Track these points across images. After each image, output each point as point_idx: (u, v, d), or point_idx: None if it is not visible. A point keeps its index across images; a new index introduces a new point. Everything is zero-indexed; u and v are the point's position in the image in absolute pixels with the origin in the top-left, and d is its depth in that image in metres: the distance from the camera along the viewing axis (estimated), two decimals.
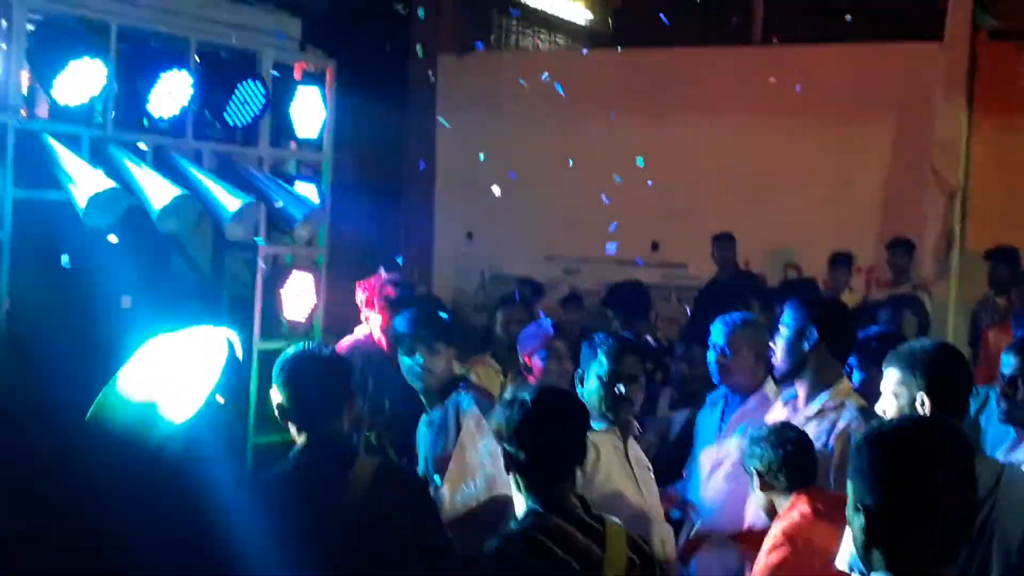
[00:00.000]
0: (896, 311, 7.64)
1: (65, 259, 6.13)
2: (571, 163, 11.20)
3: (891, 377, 4.05)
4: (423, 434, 5.65)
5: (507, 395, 3.92)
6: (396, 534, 4.24)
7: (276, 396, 4.37)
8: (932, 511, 2.61)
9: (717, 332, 5.69)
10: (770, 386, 5.59)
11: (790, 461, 4.64)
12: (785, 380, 5.30)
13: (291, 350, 4.47)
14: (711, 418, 5.75)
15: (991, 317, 9.59)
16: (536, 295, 10.05)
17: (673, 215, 12.13)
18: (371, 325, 6.65)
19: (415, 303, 6.71)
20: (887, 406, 4.06)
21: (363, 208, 8.66)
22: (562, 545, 3.58)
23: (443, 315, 5.98)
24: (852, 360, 5.55)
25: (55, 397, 5.78)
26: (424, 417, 5.67)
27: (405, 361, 5.67)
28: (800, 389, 5.16)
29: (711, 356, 5.69)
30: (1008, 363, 4.83)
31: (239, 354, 5.13)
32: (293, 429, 4.35)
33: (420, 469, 5.50)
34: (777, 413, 5.23)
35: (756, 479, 4.71)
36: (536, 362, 6.27)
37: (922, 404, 3.93)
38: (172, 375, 5.13)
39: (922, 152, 11.63)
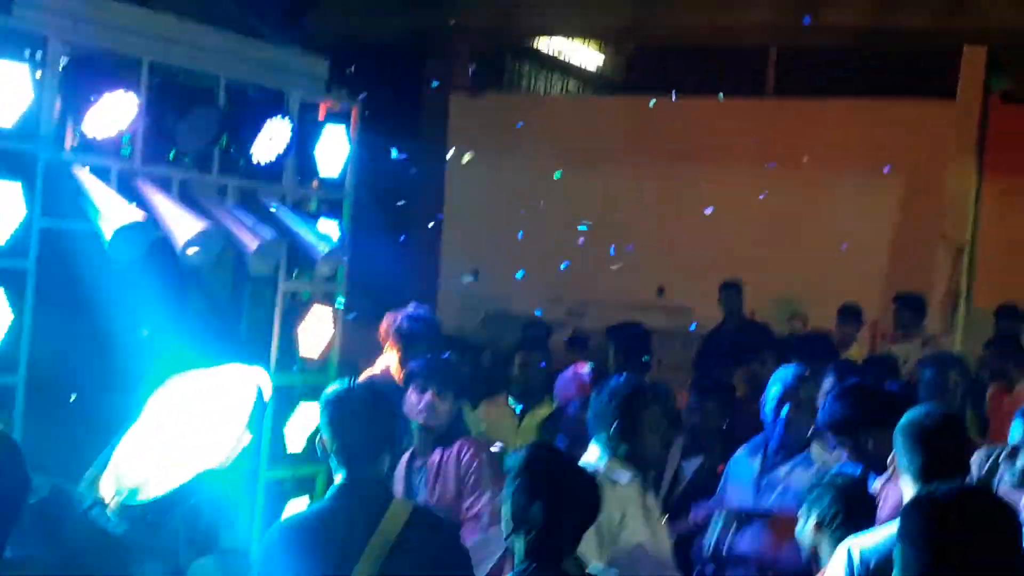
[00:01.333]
0: (940, 369, 7.57)
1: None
2: (581, 220, 11.26)
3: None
4: (405, 478, 5.71)
5: (513, 463, 3.93)
6: (424, 567, 4.29)
7: (319, 432, 4.43)
8: None
9: (783, 384, 5.73)
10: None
11: (850, 513, 4.60)
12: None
13: (338, 387, 4.51)
14: (748, 467, 5.81)
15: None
16: (547, 336, 10.07)
17: (681, 261, 12.18)
18: (389, 359, 6.68)
19: (432, 341, 6.76)
20: None
21: (379, 246, 8.69)
22: None
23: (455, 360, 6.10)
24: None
25: (76, 421, 5.86)
26: (408, 460, 5.74)
27: (411, 399, 5.72)
28: None
29: (770, 406, 5.74)
30: (1015, 430, 4.94)
31: (267, 395, 5.17)
32: (333, 466, 4.40)
33: None
34: None
35: (812, 521, 4.69)
36: (570, 411, 6.29)
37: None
38: (201, 418, 5.16)
39: (931, 208, 11.72)
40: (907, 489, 4.42)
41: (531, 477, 3.75)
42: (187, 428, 5.25)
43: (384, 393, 4.67)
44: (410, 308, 6.83)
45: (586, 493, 3.88)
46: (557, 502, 3.71)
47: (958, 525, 2.66)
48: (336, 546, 4.24)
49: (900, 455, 4.53)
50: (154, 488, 5.16)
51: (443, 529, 4.61)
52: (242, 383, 5.09)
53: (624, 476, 5.01)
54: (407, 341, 6.71)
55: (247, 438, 5.25)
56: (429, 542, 4.35)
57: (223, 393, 5.08)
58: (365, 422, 4.37)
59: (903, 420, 4.57)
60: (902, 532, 2.72)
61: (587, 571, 3.76)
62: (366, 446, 4.35)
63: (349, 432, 4.35)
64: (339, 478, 4.39)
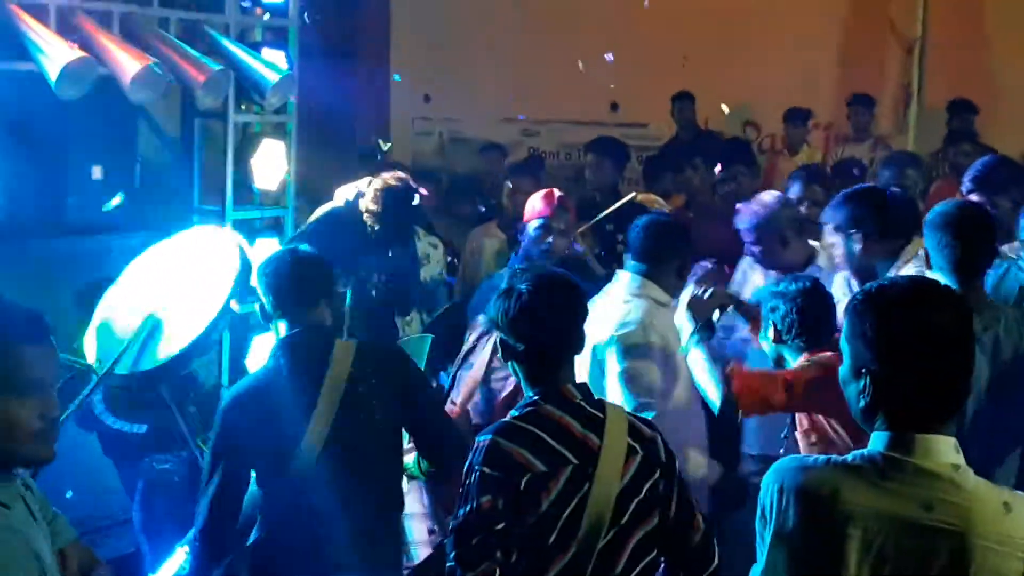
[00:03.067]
0: (899, 169, 7.65)
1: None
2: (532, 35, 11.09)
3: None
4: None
5: (503, 283, 3.78)
6: (381, 399, 4.35)
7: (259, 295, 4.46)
8: (933, 373, 2.67)
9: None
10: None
11: (805, 322, 4.64)
12: None
13: (271, 254, 4.58)
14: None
15: (941, 171, 9.65)
16: (504, 158, 10.04)
17: (632, 75, 12.07)
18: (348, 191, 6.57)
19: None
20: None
21: (328, 74, 8.56)
22: (555, 435, 3.50)
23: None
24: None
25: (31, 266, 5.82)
26: None
27: None
28: None
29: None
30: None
31: (249, 258, 5.17)
32: (275, 327, 4.45)
33: None
34: None
35: (771, 330, 4.74)
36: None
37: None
38: (182, 289, 5.14)
39: (880, 6, 11.63)
40: None
41: (512, 299, 3.63)
42: (173, 301, 5.26)
43: (312, 253, 4.67)
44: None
45: (575, 307, 3.71)
46: (541, 323, 3.60)
47: (910, 318, 2.68)
48: (292, 397, 4.28)
49: (933, 250, 4.52)
50: (144, 360, 5.18)
51: (392, 356, 4.64)
52: (223, 251, 5.09)
53: (667, 299, 5.15)
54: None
55: (232, 306, 5.28)
56: (381, 371, 4.42)
57: (207, 262, 5.09)
58: (297, 277, 4.41)
59: (935, 216, 4.54)
60: (855, 330, 2.74)
61: (592, 394, 3.66)
62: (300, 297, 4.40)
63: (282, 288, 4.40)
64: (282, 329, 4.42)
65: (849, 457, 2.76)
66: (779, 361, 4.75)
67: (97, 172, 6.37)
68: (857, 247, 5.09)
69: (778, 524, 2.74)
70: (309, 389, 4.27)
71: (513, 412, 3.62)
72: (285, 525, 4.30)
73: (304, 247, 4.85)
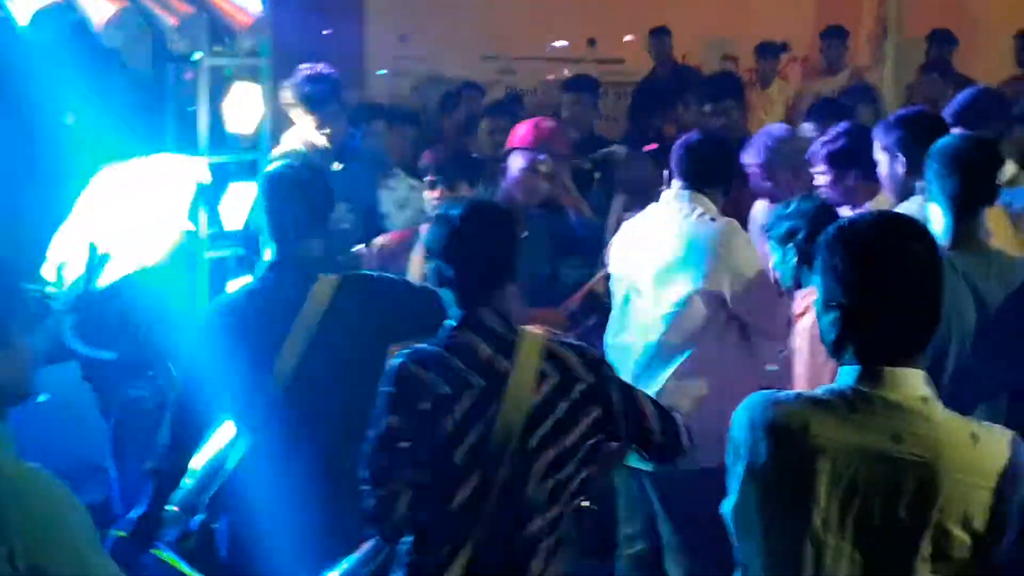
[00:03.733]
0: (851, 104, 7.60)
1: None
2: None
3: None
4: None
5: (438, 211, 3.84)
6: (356, 337, 4.33)
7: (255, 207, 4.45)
8: (902, 306, 2.71)
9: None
10: None
11: (814, 228, 4.38)
12: None
13: (279, 164, 4.50)
14: None
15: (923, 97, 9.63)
16: (481, 97, 9.98)
17: (608, 10, 12.00)
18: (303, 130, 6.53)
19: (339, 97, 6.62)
20: None
21: (301, 16, 8.50)
22: (465, 358, 3.53)
23: None
24: None
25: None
26: None
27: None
28: None
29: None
30: None
31: (207, 179, 5.15)
32: (263, 243, 4.43)
33: None
34: None
35: (795, 256, 4.64)
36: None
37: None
38: (140, 211, 5.13)
39: None
40: (937, 218, 4.32)
41: (450, 220, 3.65)
42: (126, 221, 5.24)
43: (321, 172, 4.65)
44: (304, 69, 6.60)
45: (504, 233, 3.70)
46: (473, 243, 3.61)
47: (879, 253, 2.70)
48: (268, 321, 4.30)
49: (932, 182, 4.39)
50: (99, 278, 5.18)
51: (379, 286, 4.58)
52: (179, 174, 5.07)
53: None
54: (317, 104, 6.51)
55: (187, 226, 5.25)
56: (364, 302, 4.40)
57: (161, 186, 5.07)
58: (299, 200, 4.40)
59: (937, 146, 4.43)
60: (825, 263, 2.76)
61: (515, 324, 3.66)
62: (296, 224, 4.39)
63: (281, 210, 4.39)
64: (268, 254, 4.41)
65: (819, 391, 2.80)
66: (798, 284, 4.65)
67: (69, 118, 6.32)
68: (901, 171, 5.02)
69: (749, 459, 2.78)
70: (284, 320, 4.28)
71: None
72: (256, 462, 4.32)
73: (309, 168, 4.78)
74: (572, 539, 3.66)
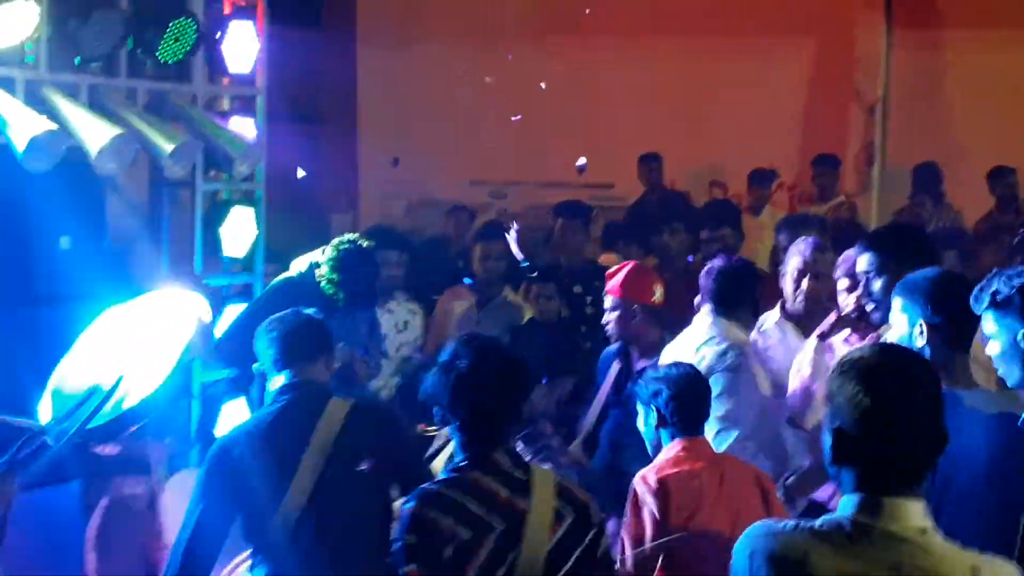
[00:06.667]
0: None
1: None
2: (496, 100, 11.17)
3: (895, 305, 4.04)
4: None
5: (444, 356, 3.78)
6: (370, 458, 4.34)
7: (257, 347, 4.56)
8: (897, 438, 2.72)
9: (802, 256, 5.69)
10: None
11: (681, 405, 4.60)
12: None
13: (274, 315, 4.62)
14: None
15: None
16: (471, 220, 10.07)
17: (599, 136, 12.16)
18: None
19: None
20: (892, 335, 4.07)
21: (296, 141, 8.60)
22: (480, 501, 3.52)
23: None
24: None
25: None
26: None
27: None
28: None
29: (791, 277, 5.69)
30: None
31: (207, 319, 5.17)
32: (271, 373, 4.50)
33: None
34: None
35: (654, 415, 4.68)
36: None
37: (921, 333, 3.89)
38: (140, 346, 5.13)
39: (843, 68, 11.78)
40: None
41: (457, 370, 3.65)
42: (126, 358, 5.24)
43: (315, 316, 4.71)
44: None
45: (513, 381, 3.71)
46: (482, 393, 3.63)
47: (882, 385, 2.73)
48: (279, 448, 4.28)
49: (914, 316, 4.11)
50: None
51: (385, 420, 4.68)
52: (181, 312, 5.10)
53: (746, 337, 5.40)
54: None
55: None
56: (372, 434, 4.43)
57: (162, 323, 5.09)
58: (303, 331, 4.52)
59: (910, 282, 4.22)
60: (829, 389, 2.79)
61: (524, 461, 3.69)
62: (303, 351, 4.49)
63: (286, 341, 4.48)
64: (280, 381, 4.43)
65: (818, 522, 2.79)
66: (657, 447, 4.69)
67: (65, 243, 6.35)
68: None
69: None
70: (298, 443, 4.28)
71: (442, 474, 3.67)
72: None
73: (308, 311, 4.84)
74: None
